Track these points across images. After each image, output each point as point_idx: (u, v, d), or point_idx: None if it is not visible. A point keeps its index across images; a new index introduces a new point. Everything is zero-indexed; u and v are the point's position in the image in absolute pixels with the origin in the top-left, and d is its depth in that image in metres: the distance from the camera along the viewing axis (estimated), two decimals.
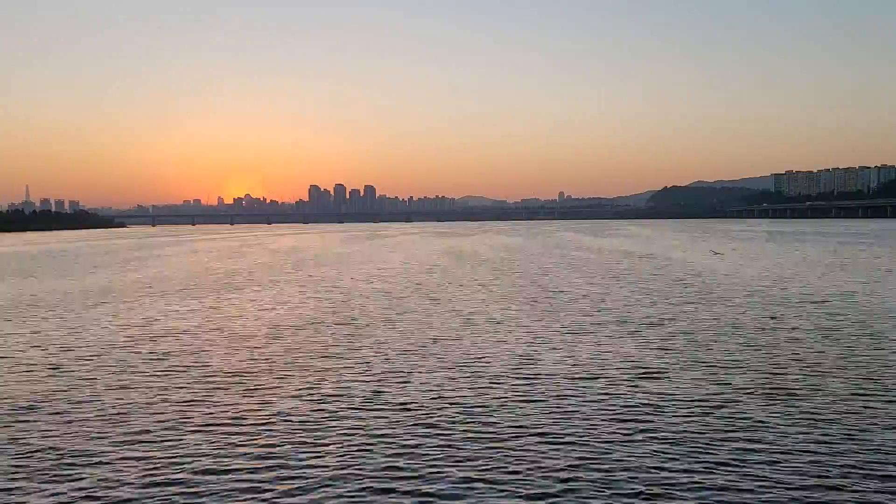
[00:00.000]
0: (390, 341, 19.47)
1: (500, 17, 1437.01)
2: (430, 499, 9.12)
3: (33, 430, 12.02)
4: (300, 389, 14.44)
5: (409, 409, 12.87)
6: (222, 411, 12.98)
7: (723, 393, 13.46)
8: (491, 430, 11.64)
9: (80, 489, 9.53)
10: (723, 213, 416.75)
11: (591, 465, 10.02)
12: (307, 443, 11.22)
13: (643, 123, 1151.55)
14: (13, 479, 9.89)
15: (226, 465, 10.29)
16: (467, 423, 12.04)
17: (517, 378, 14.92)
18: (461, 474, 9.82)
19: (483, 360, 16.82)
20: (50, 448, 11.11)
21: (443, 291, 31.66)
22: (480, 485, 9.46)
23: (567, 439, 11.10)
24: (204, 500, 9.19)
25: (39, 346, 19.70)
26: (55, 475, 10.03)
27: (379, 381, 15.00)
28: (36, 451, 10.98)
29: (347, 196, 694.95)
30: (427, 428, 11.80)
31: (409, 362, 16.69)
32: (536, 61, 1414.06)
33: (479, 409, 12.77)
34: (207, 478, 9.87)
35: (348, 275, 42.39)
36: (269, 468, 10.18)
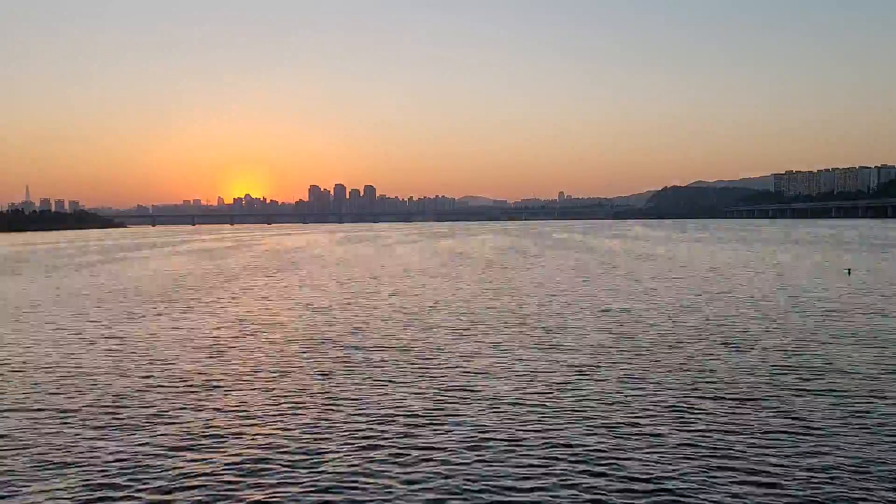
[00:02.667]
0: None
1: (501, 17, 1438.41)
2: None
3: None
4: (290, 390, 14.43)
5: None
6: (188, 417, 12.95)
7: None
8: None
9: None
10: (723, 213, 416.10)
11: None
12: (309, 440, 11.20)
13: (643, 123, 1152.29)
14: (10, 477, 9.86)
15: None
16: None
17: None
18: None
19: None
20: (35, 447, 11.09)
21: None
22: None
23: None
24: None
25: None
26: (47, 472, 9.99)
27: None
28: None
29: (347, 196, 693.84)
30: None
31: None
32: (537, 61, 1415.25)
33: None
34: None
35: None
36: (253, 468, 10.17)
